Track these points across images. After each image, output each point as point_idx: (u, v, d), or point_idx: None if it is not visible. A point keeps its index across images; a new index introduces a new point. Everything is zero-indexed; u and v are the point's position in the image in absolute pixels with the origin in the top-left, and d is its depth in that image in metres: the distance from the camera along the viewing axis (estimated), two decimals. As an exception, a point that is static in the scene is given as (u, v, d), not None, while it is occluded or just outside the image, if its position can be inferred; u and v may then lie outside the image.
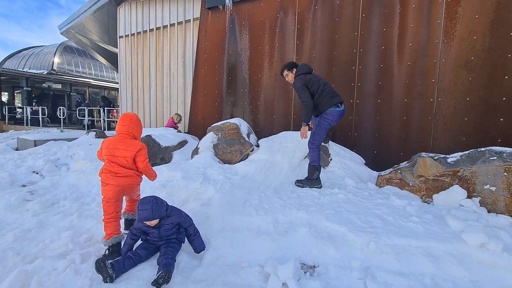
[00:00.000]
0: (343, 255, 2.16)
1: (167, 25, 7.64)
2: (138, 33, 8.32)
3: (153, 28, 7.95)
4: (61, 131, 11.48)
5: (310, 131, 3.85)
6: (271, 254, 2.26)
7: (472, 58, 4.05)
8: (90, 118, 12.60)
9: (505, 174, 2.47)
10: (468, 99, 4.09)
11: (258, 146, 4.62)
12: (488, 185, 2.56)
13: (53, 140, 7.30)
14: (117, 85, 13.23)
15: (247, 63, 6.27)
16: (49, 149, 6.13)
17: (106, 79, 22.62)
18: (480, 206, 2.59)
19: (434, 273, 1.94)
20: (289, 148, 4.06)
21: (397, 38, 4.60)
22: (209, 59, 6.85)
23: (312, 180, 3.21)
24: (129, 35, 8.57)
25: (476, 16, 4.00)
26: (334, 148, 3.97)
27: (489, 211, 2.56)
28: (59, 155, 5.55)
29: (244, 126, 4.63)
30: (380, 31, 4.73)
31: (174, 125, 6.88)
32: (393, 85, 4.66)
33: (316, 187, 3.20)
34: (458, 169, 2.73)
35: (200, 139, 5.51)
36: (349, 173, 3.53)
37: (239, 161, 4.24)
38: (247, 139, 4.47)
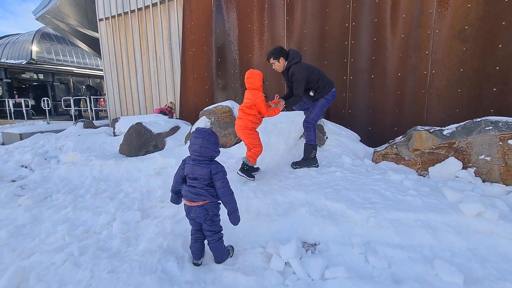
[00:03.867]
0: (343, 232, 2.17)
1: (149, 5, 7.22)
2: (119, 14, 7.87)
3: (134, 9, 7.51)
4: (48, 123, 11.11)
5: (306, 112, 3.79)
6: (272, 235, 2.27)
7: (466, 27, 3.96)
8: (76, 108, 12.19)
9: (500, 143, 2.48)
10: (461, 70, 4.05)
11: (252, 128, 4.54)
12: (483, 155, 2.58)
13: (39, 132, 7.06)
14: (102, 72, 12.69)
15: (236, 42, 6.03)
16: (36, 141, 5.93)
17: (90, 67, 21.73)
18: (475, 176, 2.63)
19: (433, 244, 1.97)
20: (284, 128, 4.00)
21: (390, 10, 4.45)
22: (196, 40, 6.57)
23: (309, 159, 3.19)
24: (110, 18, 8.10)
25: (471, -17, 3.87)
26: (329, 126, 3.93)
27: (483, 181, 2.60)
28: (47, 147, 5.37)
29: (237, 109, 4.52)
30: (372, 3, 4.56)
31: (167, 112, 6.70)
32: (387, 59, 4.57)
33: (313, 166, 3.19)
34: (454, 141, 2.73)
35: (192, 124, 5.39)
36: (345, 150, 3.51)
37: (234, 144, 4.18)
38: (240, 121, 4.37)
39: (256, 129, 3.12)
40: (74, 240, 2.38)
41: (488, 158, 2.56)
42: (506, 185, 2.47)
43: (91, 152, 4.82)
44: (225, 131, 4.29)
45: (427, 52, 4.25)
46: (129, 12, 7.63)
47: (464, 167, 2.70)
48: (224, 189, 1.89)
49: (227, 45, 6.15)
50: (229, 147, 4.13)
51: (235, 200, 1.96)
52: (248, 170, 3.01)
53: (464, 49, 4.00)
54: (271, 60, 3.12)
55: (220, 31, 6.20)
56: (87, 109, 11.93)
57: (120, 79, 8.37)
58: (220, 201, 1.98)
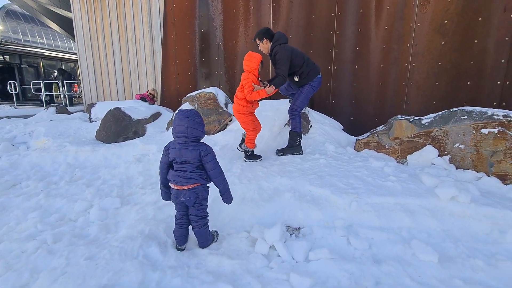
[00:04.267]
0: (327, 216, 2.22)
1: (128, -16, 6.80)
2: (95, -7, 7.35)
3: (111, -13, 7.05)
4: (15, 108, 10.37)
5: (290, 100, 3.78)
6: (257, 220, 2.27)
7: (445, 21, 4.09)
8: (48, 93, 11.42)
9: (474, 132, 2.61)
10: (440, 63, 4.20)
11: (236, 116, 4.48)
12: (458, 144, 2.71)
13: (6, 117, 6.55)
14: (75, 56, 11.76)
15: (220, 28, 5.86)
16: (3, 127, 5.50)
17: (63, 50, 20.32)
18: (450, 163, 2.77)
19: (411, 226, 2.06)
20: (269, 116, 3.98)
21: (375, 1, 4.49)
22: (178, 24, 6.30)
23: (294, 146, 3.21)
24: (84, -4, 7.55)
25: (452, -23, 3.98)
26: (313, 115, 3.97)
27: (457, 168, 2.74)
28: (15, 133, 5.00)
29: (221, 96, 4.44)
30: (358, -7, 4.57)
31: (148, 99, 6.42)
32: (370, 51, 4.64)
33: (298, 154, 3.21)
34: (431, 129, 2.85)
35: (174, 111, 5.22)
36: (329, 138, 3.57)
37: (218, 132, 4.11)
38: (225, 108, 4.30)
39: (252, 113, 3.10)
40: (47, 227, 2.25)
41: (462, 146, 2.70)
42: (477, 172, 2.62)
43: (65, 138, 4.54)
44: (209, 118, 4.19)
45: (408, 45, 4.36)
46: (105, -9, 7.16)
47: (440, 155, 2.83)
48: (216, 170, 1.86)
49: (211, 30, 5.97)
50: (213, 134, 4.06)
51: (226, 179, 1.94)
52: (252, 155, 3.17)
53: (443, 42, 4.14)
54: (257, 41, 3.11)
55: (204, 16, 5.98)
56: (60, 94, 11.23)
57: (96, 62, 7.90)
58: (209, 184, 1.94)
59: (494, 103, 3.94)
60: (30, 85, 12.90)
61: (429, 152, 2.85)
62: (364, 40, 4.65)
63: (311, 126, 3.77)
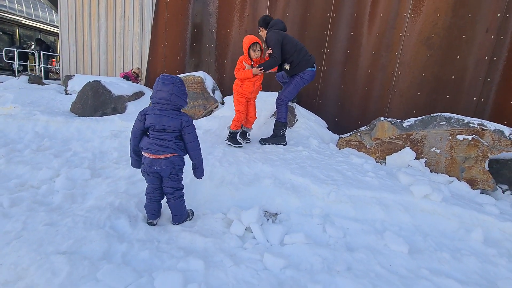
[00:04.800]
0: (305, 204, 2.21)
1: (122, -43, 6.49)
2: (85, -39, 6.95)
3: (104, -42, 6.69)
4: (-18, 74, 9.54)
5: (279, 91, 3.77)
6: (235, 203, 2.22)
7: (433, 35, 4.26)
8: (22, 63, 10.62)
9: (450, 137, 2.73)
10: (423, 74, 4.37)
11: (223, 103, 4.40)
12: (434, 148, 2.82)
13: (-30, 80, 6.00)
14: (57, 29, 10.85)
15: (215, 15, 5.74)
16: (-35, 89, 5.03)
17: (43, 21, 19.07)
18: (425, 166, 2.87)
19: (384, 219, 2.11)
20: (256, 107, 3.93)
21: (369, 7, 4.59)
22: (172, 4, 6.10)
23: (278, 136, 3.19)
24: (73, -37, 7.12)
25: (443, -6, 4.15)
26: (300, 110, 3.99)
27: (431, 171, 2.85)
28: (-21, 96, 4.58)
29: (209, 81, 4.34)
30: (355, -3, 4.66)
31: (132, 78, 6.15)
32: (360, 55, 4.74)
33: (281, 144, 3.19)
34: (411, 132, 2.94)
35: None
36: (313, 134, 3.59)
37: (202, 117, 4.01)
38: (211, 94, 4.21)
39: (243, 95, 3.10)
40: (5, 191, 2.06)
41: (438, 151, 2.81)
42: (449, 176, 2.74)
43: (35, 106, 4.23)
44: (194, 102, 4.08)
45: (396, 53, 4.50)
46: (97, -39, 6.79)
47: (417, 158, 2.93)
48: (194, 142, 1.80)
49: (205, 16, 5.83)
50: (197, 118, 3.95)
51: (201, 153, 1.88)
52: (233, 138, 3.10)
53: (428, 55, 4.31)
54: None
55: (199, 0, 5.83)
56: (35, 65, 10.49)
57: (79, 36, 7.46)
58: (184, 156, 1.87)
59: (468, 118, 4.15)
60: (2, 53, 11.94)
61: (407, 154, 2.95)
62: (355, 44, 4.74)
63: (296, 120, 3.78)
